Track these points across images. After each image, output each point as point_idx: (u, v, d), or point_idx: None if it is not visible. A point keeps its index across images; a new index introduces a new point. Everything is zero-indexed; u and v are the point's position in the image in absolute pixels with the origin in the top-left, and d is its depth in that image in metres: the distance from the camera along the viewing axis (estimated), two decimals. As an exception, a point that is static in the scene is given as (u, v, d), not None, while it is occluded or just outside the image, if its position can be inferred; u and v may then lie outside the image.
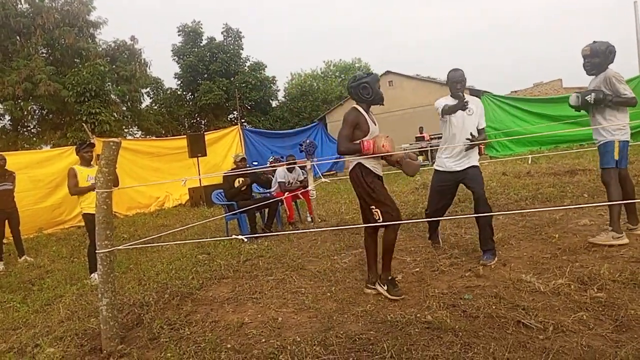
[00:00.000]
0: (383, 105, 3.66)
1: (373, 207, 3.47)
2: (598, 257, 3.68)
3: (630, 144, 4.14)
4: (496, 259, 4.00)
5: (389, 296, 3.44)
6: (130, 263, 5.85)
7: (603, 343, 2.37)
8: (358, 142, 3.45)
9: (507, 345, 2.47)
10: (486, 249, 4.06)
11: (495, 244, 4.12)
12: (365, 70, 3.64)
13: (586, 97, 3.99)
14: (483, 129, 4.26)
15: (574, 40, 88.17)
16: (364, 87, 3.55)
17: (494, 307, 2.99)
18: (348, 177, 3.65)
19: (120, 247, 3.51)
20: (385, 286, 3.52)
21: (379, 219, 3.44)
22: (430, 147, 17.92)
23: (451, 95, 4.27)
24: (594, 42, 4.08)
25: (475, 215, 4.05)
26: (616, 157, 3.98)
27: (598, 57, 4.01)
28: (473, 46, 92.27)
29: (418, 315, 3.04)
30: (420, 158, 18.04)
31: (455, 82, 4.18)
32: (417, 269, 4.13)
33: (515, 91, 29.33)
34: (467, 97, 4.18)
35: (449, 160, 4.22)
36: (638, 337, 2.36)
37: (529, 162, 9.76)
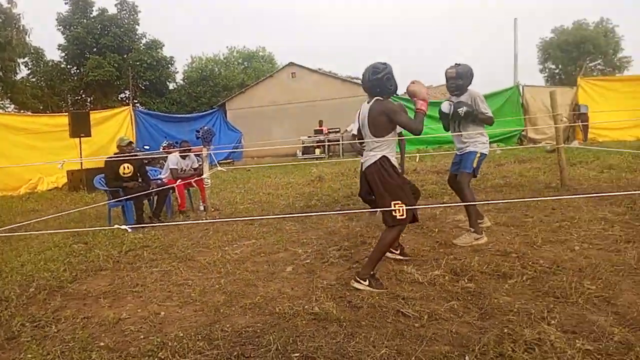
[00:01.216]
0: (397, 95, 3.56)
1: (398, 202, 3.29)
2: (470, 251, 4.02)
3: (502, 148, 4.66)
4: None
5: (375, 290, 3.25)
6: (-9, 252, 5.18)
7: (469, 330, 2.58)
8: (420, 113, 3.29)
9: (386, 334, 2.59)
10: None
11: None
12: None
13: (458, 110, 4.37)
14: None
15: (460, 47, 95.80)
16: (387, 79, 3.37)
17: (377, 297, 3.12)
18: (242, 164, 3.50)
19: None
20: (367, 281, 3.32)
21: (402, 215, 3.29)
22: (328, 140, 18.36)
23: None
24: (457, 64, 4.49)
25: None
26: (475, 165, 4.44)
27: (462, 79, 4.45)
28: (369, 45, 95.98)
29: (306, 306, 3.07)
30: (317, 151, 18.42)
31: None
32: (308, 261, 4.18)
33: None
34: None
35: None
36: (499, 324, 2.60)
37: (417, 160, 10.42)
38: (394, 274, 3.58)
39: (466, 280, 3.28)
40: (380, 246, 3.40)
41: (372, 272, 3.40)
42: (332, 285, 3.47)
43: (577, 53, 32.97)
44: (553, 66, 36.68)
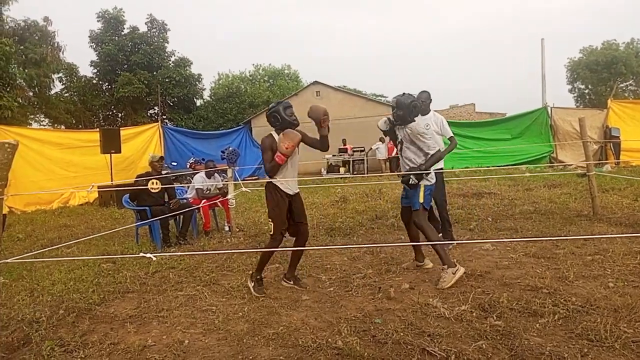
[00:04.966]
0: (297, 125, 4.12)
1: (270, 220, 4.11)
2: (498, 284, 3.91)
3: (530, 172, 4.49)
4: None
5: (254, 293, 4.05)
6: (24, 269, 5.32)
7: (499, 373, 2.50)
8: (273, 160, 4.00)
9: (412, 374, 2.53)
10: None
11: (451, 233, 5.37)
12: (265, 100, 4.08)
13: (410, 183, 4.21)
14: (450, 137, 5.46)
15: (487, 68, 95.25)
16: (274, 116, 4.08)
17: (401, 333, 3.06)
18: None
19: (8, 261, 3.16)
20: (253, 283, 4.14)
21: (271, 232, 4.09)
22: (352, 159, 18.36)
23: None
24: (403, 94, 4.29)
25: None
26: (421, 200, 4.24)
27: (402, 110, 4.23)
28: (396, 65, 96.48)
29: (329, 340, 3.03)
30: (342, 170, 18.40)
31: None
32: (331, 289, 4.15)
33: (436, 111, 31.00)
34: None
35: None
36: (529, 368, 2.52)
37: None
38: (419, 307, 3.51)
39: (495, 318, 3.19)
40: (261, 254, 4.24)
41: (259, 277, 4.17)
42: (356, 317, 3.43)
43: (608, 74, 32.28)
44: (582, 86, 35.99)
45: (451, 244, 5.26)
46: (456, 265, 4.10)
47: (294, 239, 4.38)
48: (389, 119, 4.43)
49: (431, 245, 4.27)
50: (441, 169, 5.35)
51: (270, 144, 4.06)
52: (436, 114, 5.56)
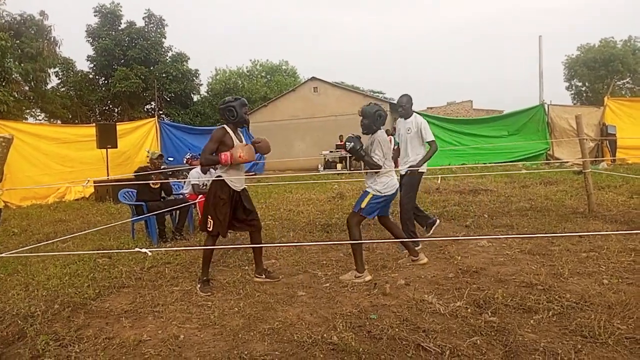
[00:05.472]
0: (246, 126, 4.27)
1: (209, 216, 4.05)
2: (493, 281, 3.93)
3: (527, 169, 4.49)
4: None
5: (200, 293, 4.00)
6: (19, 263, 5.30)
7: (493, 369, 2.52)
8: (217, 156, 3.98)
9: (406, 370, 2.54)
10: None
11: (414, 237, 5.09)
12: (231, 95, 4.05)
13: (347, 142, 4.31)
14: (430, 141, 5.13)
15: (486, 62, 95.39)
16: (229, 110, 4.05)
17: (397, 329, 3.07)
18: (264, 180, 3.90)
19: (3, 255, 3.15)
20: (200, 285, 4.10)
21: (210, 228, 4.06)
22: (349, 155, 18.37)
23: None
24: (370, 104, 4.42)
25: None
26: (362, 205, 4.28)
27: (367, 119, 4.34)
28: (395, 60, 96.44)
29: (324, 335, 3.04)
30: (339, 166, 18.41)
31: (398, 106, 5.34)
32: (327, 284, 4.15)
33: (431, 108, 31.07)
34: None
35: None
36: (523, 363, 2.53)
37: (439, 180, 10.30)
38: (415, 303, 3.52)
39: (490, 314, 3.20)
40: (203, 255, 4.20)
41: (205, 278, 4.13)
42: (351, 313, 3.44)
43: (605, 71, 32.34)
44: (579, 84, 36.06)
45: (416, 241, 5.09)
46: (363, 273, 4.20)
47: (249, 234, 4.38)
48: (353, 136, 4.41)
49: (351, 246, 4.39)
50: (422, 172, 5.26)
51: (221, 137, 4.03)
52: (418, 116, 5.36)
